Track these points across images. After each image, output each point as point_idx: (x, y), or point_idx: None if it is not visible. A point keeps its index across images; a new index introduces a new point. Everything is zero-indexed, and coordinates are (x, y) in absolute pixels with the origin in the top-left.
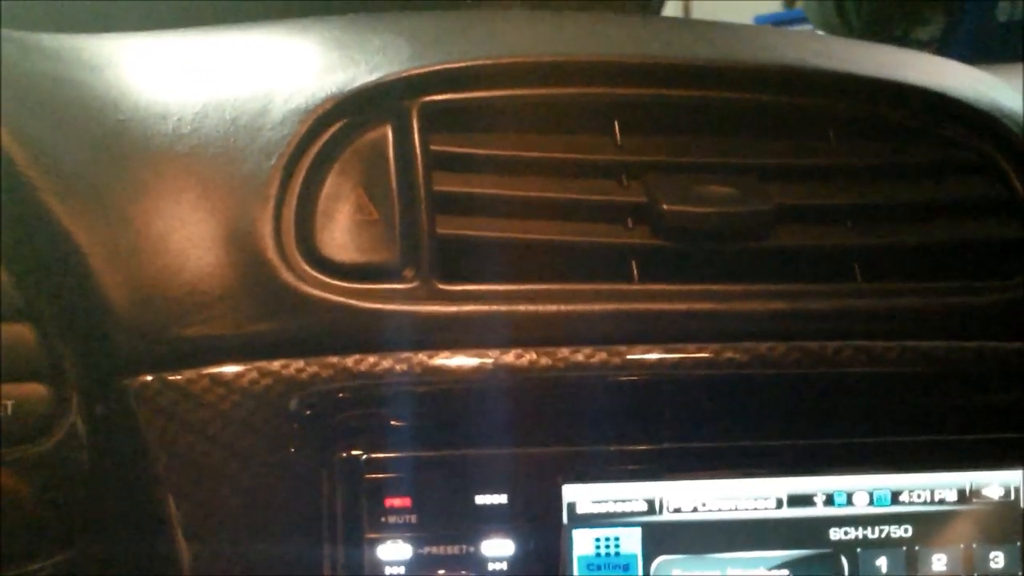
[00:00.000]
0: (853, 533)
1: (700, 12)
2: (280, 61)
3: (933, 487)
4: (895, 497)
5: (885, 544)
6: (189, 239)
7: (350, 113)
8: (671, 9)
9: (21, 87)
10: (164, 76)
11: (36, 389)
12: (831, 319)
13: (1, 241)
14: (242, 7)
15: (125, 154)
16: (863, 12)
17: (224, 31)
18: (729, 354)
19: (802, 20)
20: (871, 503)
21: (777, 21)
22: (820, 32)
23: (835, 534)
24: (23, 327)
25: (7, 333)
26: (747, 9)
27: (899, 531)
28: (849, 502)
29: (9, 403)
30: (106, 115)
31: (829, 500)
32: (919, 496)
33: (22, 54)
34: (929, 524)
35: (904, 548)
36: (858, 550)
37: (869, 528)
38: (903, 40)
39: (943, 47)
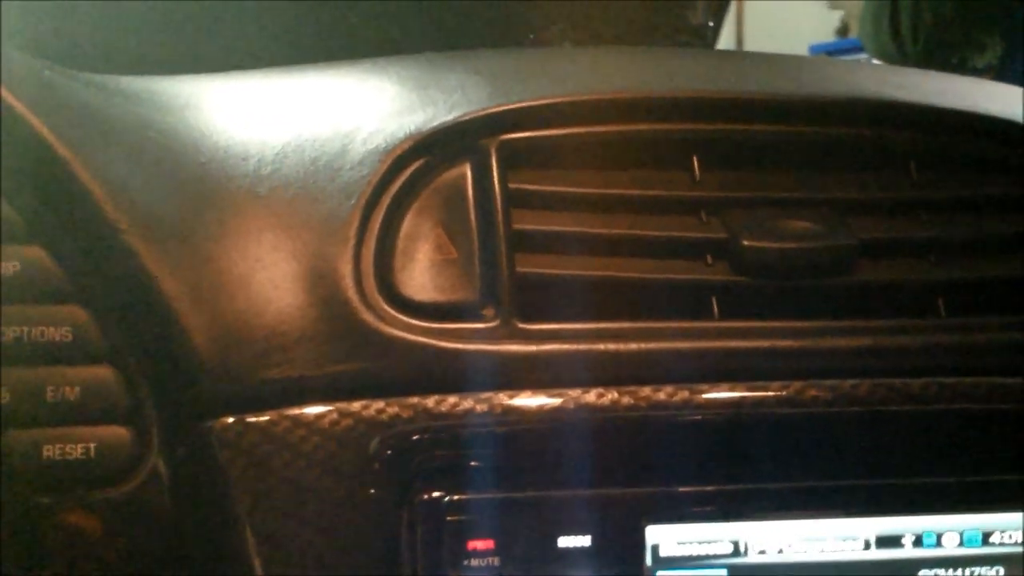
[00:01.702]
0: (943, 575)
1: (752, 41)
2: (358, 101)
3: None
4: (986, 538)
5: None
6: (270, 280)
7: (429, 152)
8: (723, 39)
9: (103, 130)
10: (243, 117)
11: (117, 432)
12: (916, 355)
13: (84, 285)
14: (313, 48)
15: (206, 195)
16: (920, 40)
17: (301, 72)
18: (813, 392)
19: (857, 49)
20: (961, 544)
21: (832, 50)
22: (876, 60)
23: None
24: (105, 369)
25: (90, 376)
26: (801, 37)
27: (991, 572)
28: (939, 543)
29: (92, 446)
30: (187, 157)
31: (918, 541)
32: (1011, 537)
33: (104, 97)
34: (1021, 565)
35: None
36: None
37: (960, 570)
38: (960, 67)
39: (1001, 74)
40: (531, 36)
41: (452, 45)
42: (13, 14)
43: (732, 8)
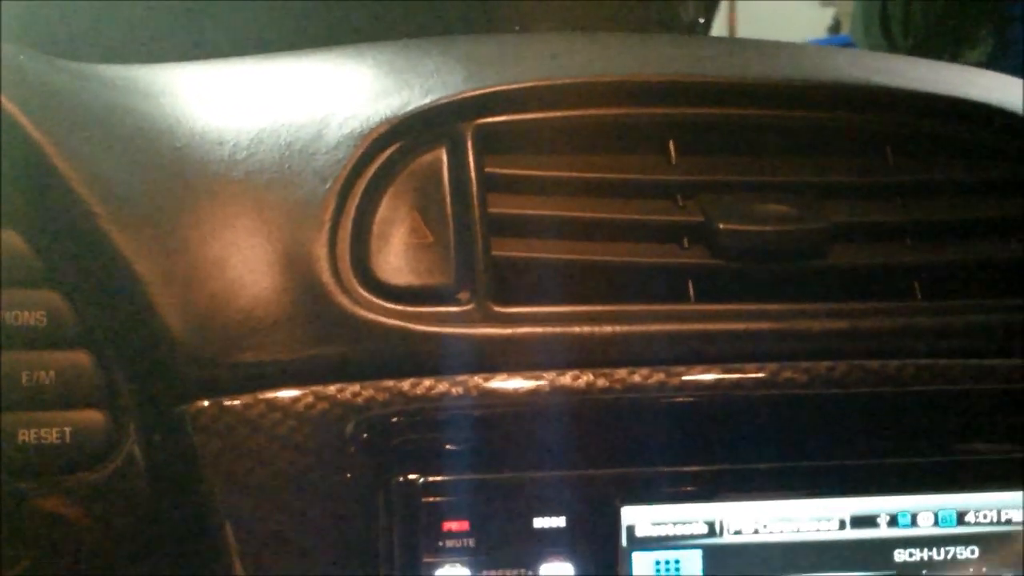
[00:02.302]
0: (918, 555)
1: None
2: (334, 86)
3: (1000, 507)
4: (961, 517)
5: (951, 566)
6: (245, 264)
7: (404, 136)
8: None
9: (78, 115)
10: (219, 103)
11: (93, 416)
12: (892, 337)
13: (58, 269)
14: (294, 39)
15: (182, 181)
16: (911, 36)
17: (277, 58)
18: (788, 374)
19: (849, 46)
20: (936, 524)
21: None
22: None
23: (900, 556)
24: (80, 354)
25: (65, 360)
26: (793, 35)
27: (965, 552)
28: (914, 523)
29: (67, 430)
30: (162, 142)
31: (893, 521)
32: (985, 516)
33: (78, 83)
34: (996, 545)
35: (971, 570)
36: (923, 572)
37: (935, 549)
38: (952, 63)
39: (992, 69)
40: (516, 30)
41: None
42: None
43: (724, 5)
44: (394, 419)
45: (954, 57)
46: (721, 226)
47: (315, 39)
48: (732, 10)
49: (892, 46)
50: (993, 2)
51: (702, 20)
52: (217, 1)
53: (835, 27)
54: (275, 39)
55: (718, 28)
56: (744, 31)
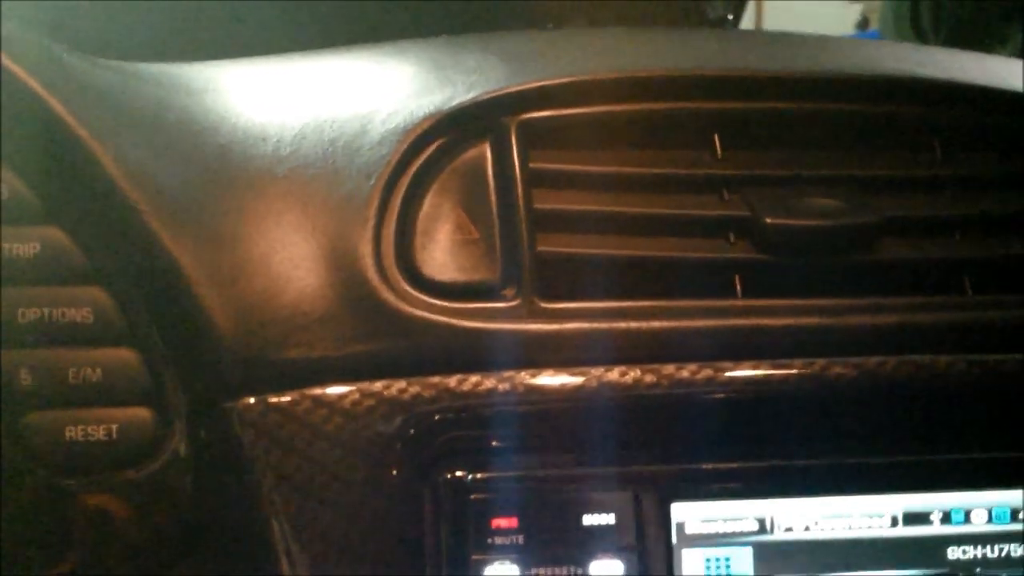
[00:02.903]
0: (972, 552)
1: None
2: (377, 83)
3: None
4: (1015, 515)
5: (1005, 563)
6: (290, 260)
7: (448, 132)
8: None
9: (122, 112)
10: (263, 100)
11: (140, 413)
12: (942, 332)
13: (104, 266)
14: (330, 37)
15: (227, 177)
16: (941, 31)
17: (320, 55)
18: (837, 369)
19: None
20: (990, 521)
21: None
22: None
23: (953, 553)
24: (126, 351)
25: (111, 357)
26: (821, 31)
27: (1020, 550)
28: (967, 520)
29: (114, 427)
30: (207, 139)
31: (946, 518)
32: None
33: (123, 81)
34: None
35: None
36: (977, 570)
37: (988, 547)
38: None
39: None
40: (549, 27)
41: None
42: (32, 4)
43: (751, 2)
44: (440, 416)
45: (985, 52)
46: (768, 220)
47: (345, 37)
48: (759, 6)
49: (922, 42)
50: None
51: (730, 17)
52: (241, 2)
53: (863, 23)
54: (303, 38)
55: (745, 25)
56: (771, 27)
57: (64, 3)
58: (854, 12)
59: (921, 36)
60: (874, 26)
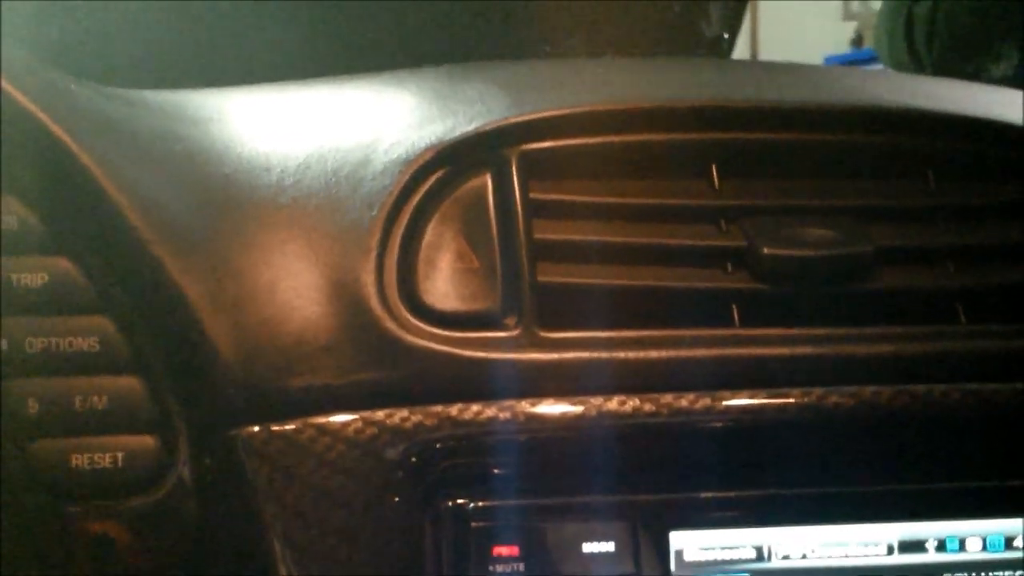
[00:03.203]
0: None
1: (767, 53)
2: (379, 113)
3: None
4: (1008, 543)
5: None
6: (294, 289)
7: (450, 163)
8: (738, 51)
9: (127, 142)
10: (267, 129)
11: (145, 441)
12: (937, 361)
13: (111, 295)
14: (329, 64)
15: (231, 206)
16: (935, 50)
17: (322, 85)
18: (834, 398)
19: (872, 60)
20: (984, 549)
21: (846, 61)
22: (891, 71)
23: None
24: (132, 379)
25: (117, 385)
26: (815, 49)
27: None
28: (962, 548)
29: (120, 455)
30: (211, 168)
31: (941, 546)
32: None
33: (128, 110)
34: None
35: None
36: None
37: (983, 574)
38: (976, 78)
39: (1017, 84)
40: (546, 49)
41: (466, 60)
42: (36, 32)
43: (746, 20)
44: (442, 444)
45: (979, 71)
46: (765, 251)
47: (342, 65)
48: (754, 24)
49: (916, 60)
50: (1019, 17)
51: (726, 35)
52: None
53: (857, 41)
54: (304, 66)
55: (740, 43)
56: (766, 46)
57: (64, 30)
58: (849, 30)
59: (915, 54)
60: (868, 44)
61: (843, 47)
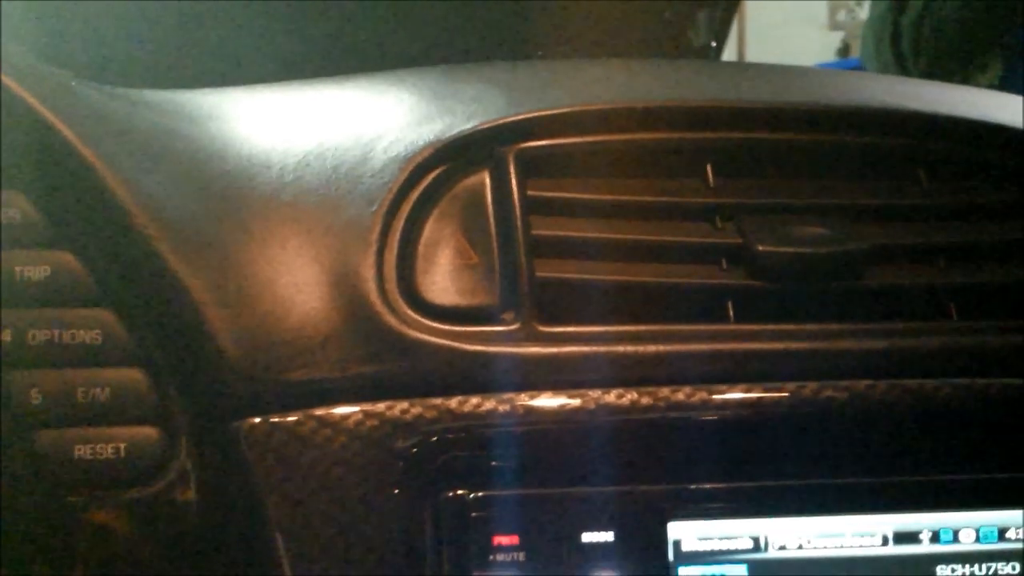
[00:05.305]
0: (960, 570)
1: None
2: (379, 111)
3: None
4: (1002, 534)
5: None
6: (294, 284)
7: (448, 160)
8: (725, 60)
9: (130, 139)
10: (266, 127)
11: (147, 432)
12: (929, 357)
13: (113, 289)
14: (323, 64)
15: (232, 202)
16: (922, 59)
17: (322, 84)
18: (828, 392)
19: (858, 69)
20: (978, 540)
21: None
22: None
23: (942, 571)
24: (134, 372)
25: (119, 377)
26: (803, 58)
27: (1007, 568)
28: (955, 539)
29: (122, 446)
30: (213, 166)
31: (935, 537)
32: None
33: (130, 108)
34: None
35: None
36: None
37: (976, 565)
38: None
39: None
40: (538, 55)
41: (461, 63)
42: (38, 32)
43: (734, 29)
44: (442, 436)
45: (964, 81)
46: (759, 248)
47: (341, 65)
48: (742, 33)
49: (903, 69)
50: (1004, 27)
51: (714, 44)
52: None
53: (844, 50)
54: (300, 66)
55: (727, 52)
56: (753, 55)
57: (61, 29)
58: (835, 39)
59: (901, 63)
60: (855, 53)
61: (830, 56)
